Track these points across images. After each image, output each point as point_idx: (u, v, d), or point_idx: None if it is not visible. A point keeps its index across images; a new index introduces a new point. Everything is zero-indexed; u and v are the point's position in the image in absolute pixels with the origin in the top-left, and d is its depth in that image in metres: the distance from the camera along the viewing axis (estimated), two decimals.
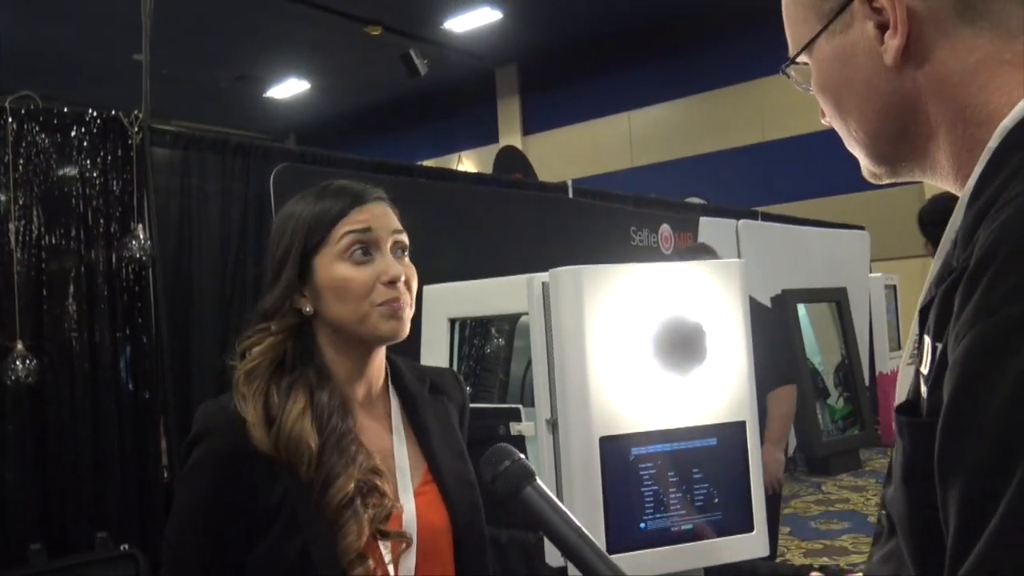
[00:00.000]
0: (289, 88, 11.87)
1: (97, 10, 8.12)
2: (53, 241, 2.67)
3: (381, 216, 1.25)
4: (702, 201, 6.02)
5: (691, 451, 1.35)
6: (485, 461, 0.93)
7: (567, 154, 10.76)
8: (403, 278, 1.22)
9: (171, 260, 3.18)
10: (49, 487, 2.74)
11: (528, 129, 11.53)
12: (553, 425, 1.37)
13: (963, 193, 0.63)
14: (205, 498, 1.20)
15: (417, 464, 1.31)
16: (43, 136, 2.71)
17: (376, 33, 10.26)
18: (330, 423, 1.19)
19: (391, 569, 1.20)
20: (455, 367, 3.10)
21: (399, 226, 1.27)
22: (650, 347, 1.35)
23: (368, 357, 1.28)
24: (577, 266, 1.36)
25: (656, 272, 1.39)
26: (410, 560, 1.23)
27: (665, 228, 4.68)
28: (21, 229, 2.62)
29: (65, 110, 2.80)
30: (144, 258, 2.84)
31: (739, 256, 5.02)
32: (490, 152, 11.56)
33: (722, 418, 1.40)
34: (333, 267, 1.21)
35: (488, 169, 10.96)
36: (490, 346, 3.73)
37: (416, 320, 3.40)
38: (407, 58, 10.16)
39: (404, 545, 1.22)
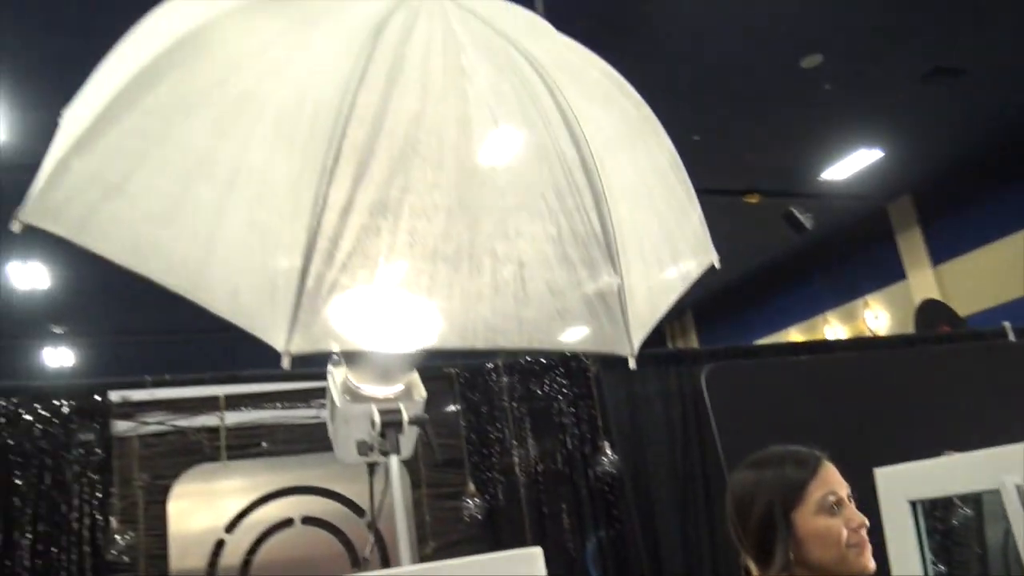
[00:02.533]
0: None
1: None
2: (544, 467, 3.29)
3: (835, 474, 1.56)
4: None
5: None
6: None
7: (987, 276, 9.74)
8: (867, 522, 1.51)
9: (629, 462, 3.62)
10: None
11: (937, 259, 10.72)
12: None
13: None
14: None
15: None
16: (527, 384, 3.42)
17: (754, 201, 10.62)
18: None
19: None
20: (924, 548, 2.99)
21: (844, 481, 1.57)
22: None
23: None
24: None
25: None
26: None
27: None
28: (522, 458, 3.29)
29: (542, 360, 3.50)
30: (613, 470, 3.33)
31: None
32: (898, 291, 10.91)
33: None
34: (814, 520, 1.48)
35: (900, 310, 10.33)
36: (956, 517, 3.52)
37: (871, 504, 3.38)
38: (790, 216, 10.30)
39: None
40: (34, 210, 0.99)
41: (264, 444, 3.17)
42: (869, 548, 1.49)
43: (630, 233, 1.14)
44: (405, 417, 1.20)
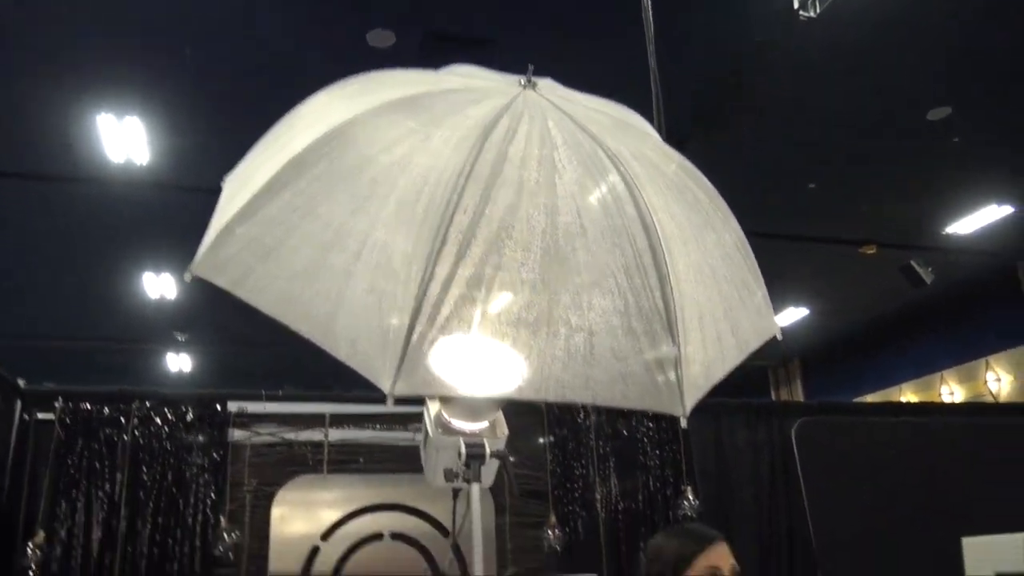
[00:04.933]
0: (788, 316, 12.36)
1: None
2: (625, 505, 3.41)
3: (723, 553, 1.80)
4: None
5: None
6: None
7: None
8: None
9: (711, 509, 3.68)
10: None
11: None
12: None
13: None
14: None
15: None
16: (614, 424, 3.55)
17: (871, 252, 10.35)
18: None
19: None
20: None
21: (734, 561, 1.82)
22: None
23: None
24: None
25: None
26: None
27: None
28: (604, 495, 3.42)
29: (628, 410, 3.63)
30: (693, 514, 3.40)
31: None
32: None
33: None
34: None
35: None
36: None
37: (955, 571, 3.33)
38: (908, 269, 10.00)
39: None
40: (202, 265, 1.24)
41: (362, 461, 3.41)
42: None
43: (691, 309, 1.29)
44: (488, 451, 1.39)
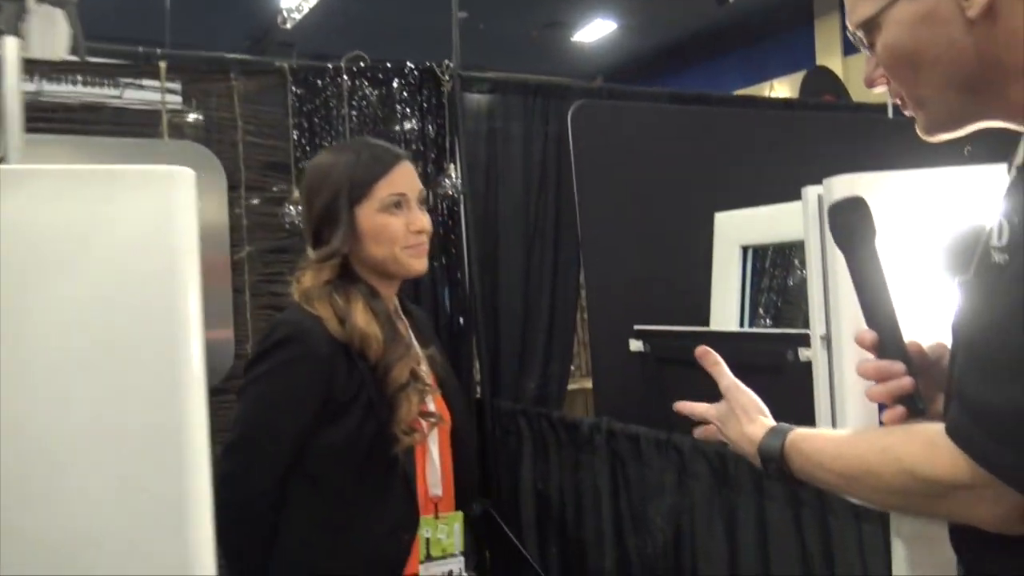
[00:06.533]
0: (595, 30, 12.06)
1: None
2: None
3: (409, 176, 1.53)
4: None
5: None
6: (838, 206, 1.05)
7: None
8: (428, 228, 1.53)
9: (479, 197, 3.46)
10: None
11: (849, 49, 10.54)
12: (828, 341, 1.32)
13: None
14: (299, 387, 1.44)
15: (427, 372, 1.57)
16: (371, 89, 3.10)
17: None
18: (387, 321, 1.48)
19: (429, 443, 1.54)
20: (748, 296, 3.02)
21: (421, 185, 1.56)
22: (940, 259, 1.23)
23: (392, 287, 1.58)
24: (854, 174, 1.28)
25: (946, 177, 1.25)
26: (435, 442, 1.55)
27: None
28: None
29: (388, 65, 3.16)
30: (456, 195, 3.15)
31: None
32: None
33: None
34: (374, 217, 1.48)
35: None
36: (792, 277, 3.58)
37: (707, 247, 3.35)
38: None
39: (437, 424, 1.54)
40: None
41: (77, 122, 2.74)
42: (424, 252, 1.54)
43: None
44: None
